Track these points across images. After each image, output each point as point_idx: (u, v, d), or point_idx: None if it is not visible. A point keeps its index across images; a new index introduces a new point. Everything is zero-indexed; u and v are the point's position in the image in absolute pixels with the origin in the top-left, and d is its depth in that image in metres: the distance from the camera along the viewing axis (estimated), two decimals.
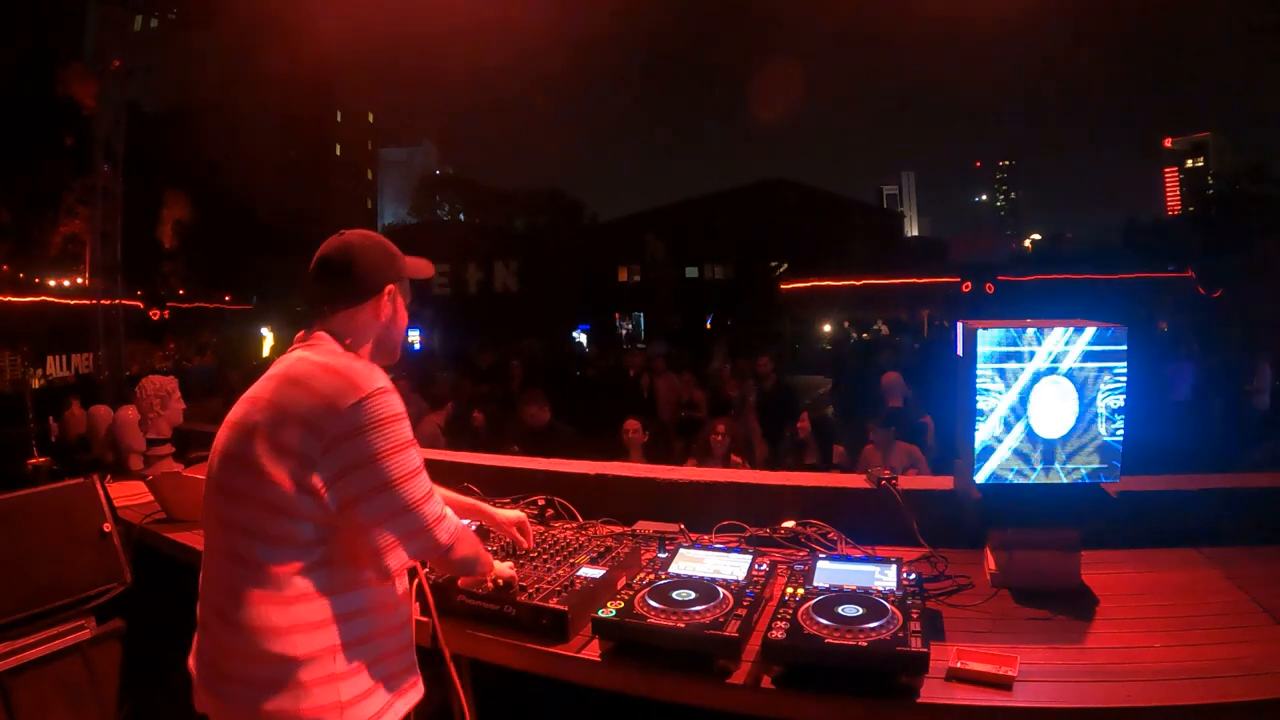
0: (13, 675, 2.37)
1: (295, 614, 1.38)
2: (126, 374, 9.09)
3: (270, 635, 1.37)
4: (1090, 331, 1.94)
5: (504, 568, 1.86)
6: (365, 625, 1.46)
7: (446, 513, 1.51)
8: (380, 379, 1.45)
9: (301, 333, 1.57)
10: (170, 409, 3.83)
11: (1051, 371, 1.96)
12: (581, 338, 26.67)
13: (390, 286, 1.58)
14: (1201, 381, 8.43)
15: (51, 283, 21.82)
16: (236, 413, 1.49)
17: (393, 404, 1.43)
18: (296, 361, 1.47)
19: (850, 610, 1.68)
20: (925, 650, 1.52)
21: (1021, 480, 2.00)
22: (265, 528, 1.38)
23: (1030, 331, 1.95)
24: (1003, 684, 1.53)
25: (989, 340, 1.97)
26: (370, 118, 55.11)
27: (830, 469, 4.96)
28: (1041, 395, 1.96)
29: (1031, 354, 1.96)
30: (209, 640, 1.45)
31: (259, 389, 1.48)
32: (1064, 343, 1.95)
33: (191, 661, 1.51)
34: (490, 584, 1.87)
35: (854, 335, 25.01)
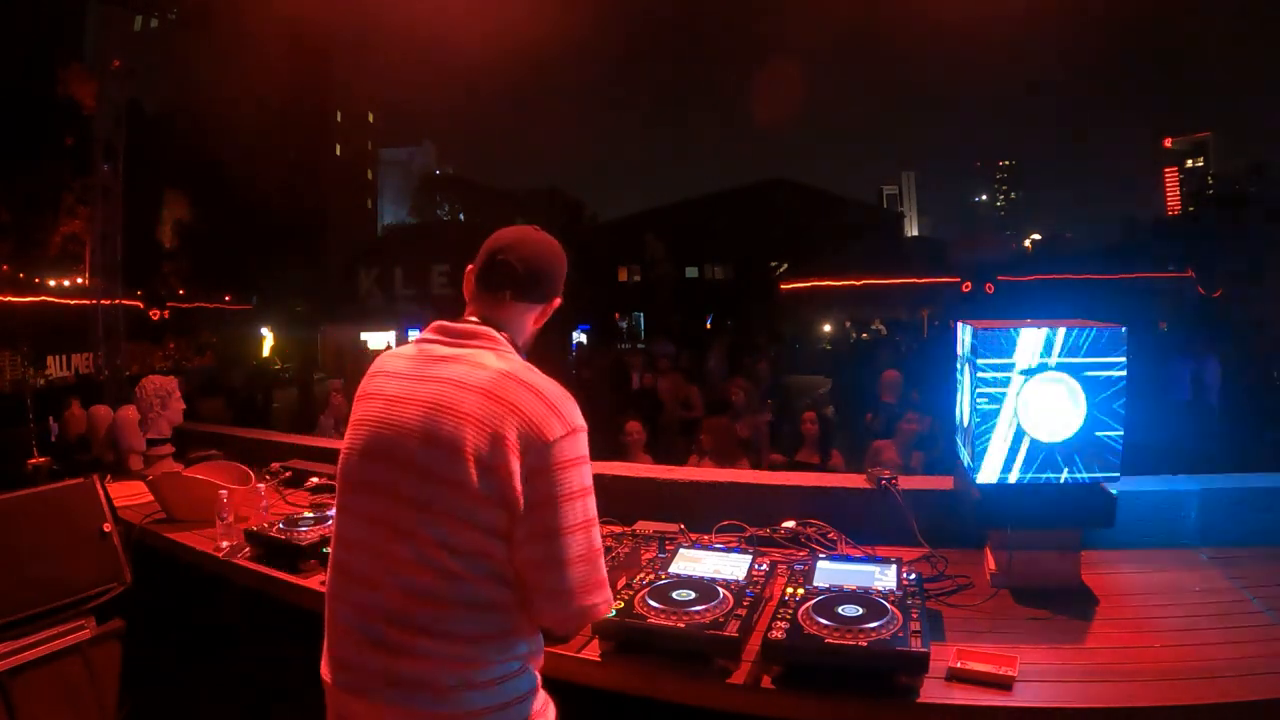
0: (13, 675, 2.37)
1: (490, 622, 1.33)
2: (126, 374, 9.08)
3: (473, 632, 1.32)
4: (1090, 331, 1.93)
5: None
6: (537, 641, 1.44)
7: (606, 582, 1.40)
8: (579, 414, 1.39)
9: (457, 326, 1.46)
10: (170, 409, 3.83)
11: (1051, 371, 1.96)
12: (581, 338, 26.66)
13: (558, 301, 1.55)
14: (1209, 380, 8.42)
15: (51, 283, 21.83)
16: (408, 394, 1.38)
17: (585, 443, 1.38)
18: (493, 373, 1.36)
19: (850, 610, 1.68)
20: (925, 650, 1.52)
21: (1021, 480, 2.00)
22: (461, 533, 1.31)
23: (1030, 331, 1.95)
24: (1003, 684, 1.53)
25: (989, 340, 1.97)
26: (370, 118, 55.06)
27: (828, 469, 4.96)
28: (1041, 395, 1.96)
29: (1031, 354, 1.96)
30: (381, 645, 1.33)
31: (445, 384, 1.36)
32: (1063, 343, 1.95)
33: (339, 673, 1.39)
34: None
35: (854, 335, 25.00)
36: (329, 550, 1.48)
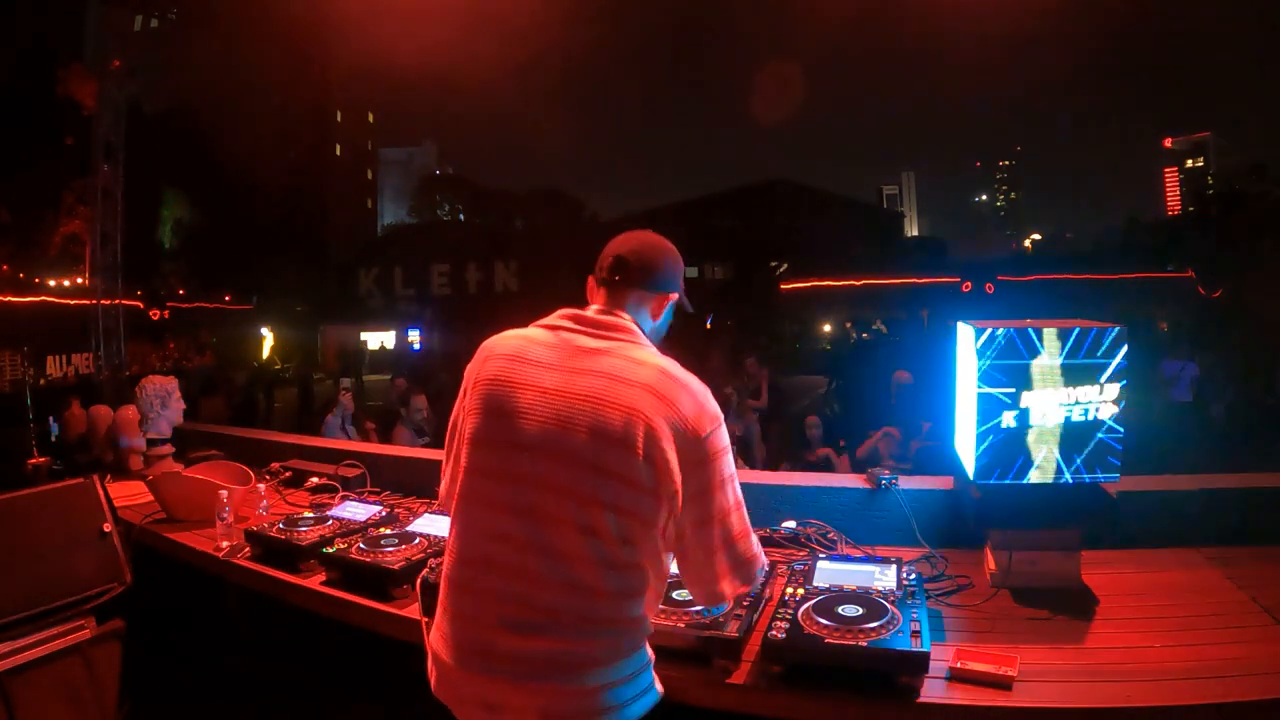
0: (13, 675, 2.37)
1: (632, 610, 1.39)
2: (126, 374, 9.08)
3: (617, 615, 1.37)
4: (1090, 332, 1.94)
5: None
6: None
7: (760, 555, 1.49)
8: (718, 407, 1.45)
9: (594, 315, 1.49)
10: (170, 409, 3.82)
11: (1051, 371, 1.96)
12: None
13: (675, 295, 1.60)
14: (1203, 382, 8.42)
15: (51, 283, 21.84)
16: (555, 384, 1.39)
17: (727, 434, 1.45)
18: (644, 367, 1.40)
19: (850, 610, 1.68)
20: (925, 650, 1.53)
21: (1021, 480, 2.00)
22: (625, 526, 1.35)
23: (1030, 331, 1.95)
24: (1003, 684, 1.53)
25: (988, 340, 1.97)
26: (370, 118, 55.09)
27: (828, 468, 4.98)
28: (1041, 395, 1.96)
29: (1031, 354, 1.96)
30: (529, 633, 1.35)
31: (598, 376, 1.38)
32: (1063, 343, 1.95)
33: (471, 659, 1.40)
34: None
35: (854, 335, 25.00)
36: (448, 539, 1.50)
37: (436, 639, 1.47)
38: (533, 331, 1.49)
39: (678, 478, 1.35)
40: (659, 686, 1.46)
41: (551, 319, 1.50)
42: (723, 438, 1.42)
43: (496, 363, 1.45)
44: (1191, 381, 8.44)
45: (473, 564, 1.43)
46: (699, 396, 1.40)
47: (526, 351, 1.44)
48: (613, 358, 1.40)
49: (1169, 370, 8.63)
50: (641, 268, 1.53)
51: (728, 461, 1.43)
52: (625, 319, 1.48)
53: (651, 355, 1.44)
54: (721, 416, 1.45)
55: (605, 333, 1.45)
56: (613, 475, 1.33)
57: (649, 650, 1.46)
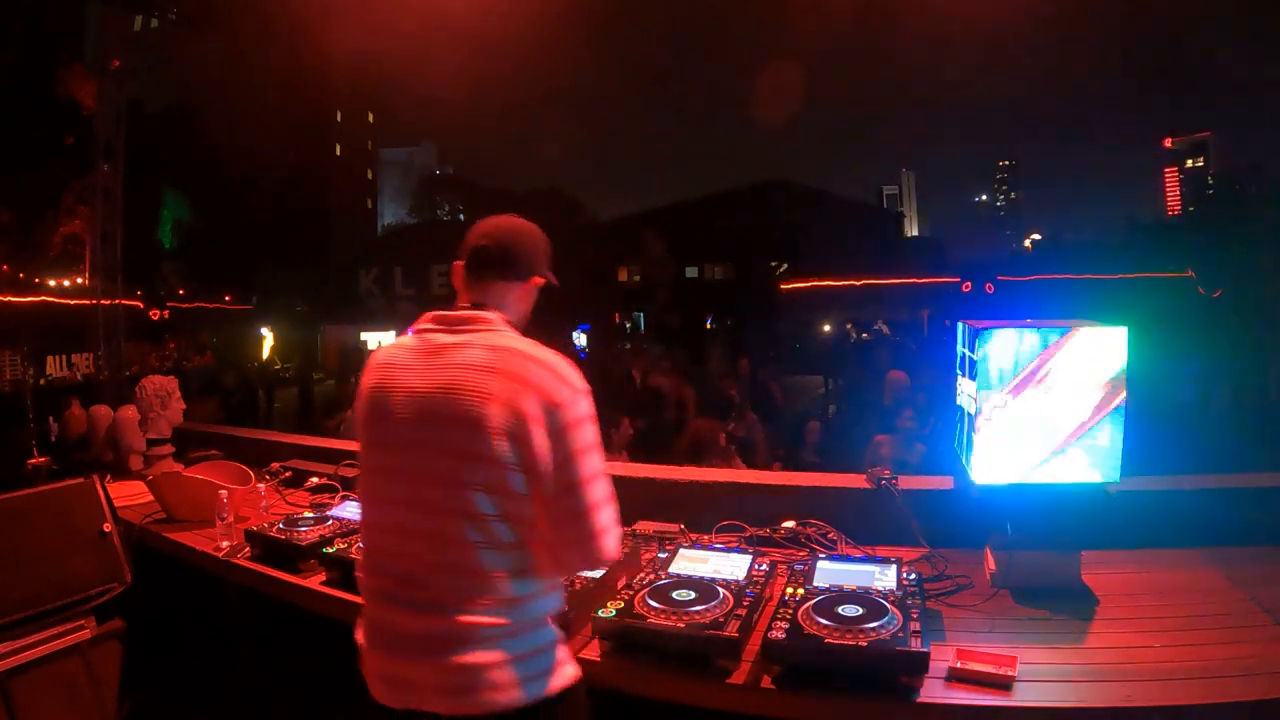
0: (13, 675, 2.37)
1: (519, 576, 1.45)
2: (126, 374, 9.08)
3: (502, 596, 1.43)
4: (1090, 331, 1.94)
5: None
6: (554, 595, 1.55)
7: (616, 524, 1.51)
8: (581, 378, 1.50)
9: (452, 312, 1.55)
10: (170, 409, 3.82)
11: (1051, 371, 1.95)
12: (581, 338, 26.66)
13: (538, 279, 1.67)
14: (1206, 381, 8.40)
15: (51, 283, 21.84)
16: (422, 382, 1.47)
17: (590, 404, 1.49)
18: (499, 350, 1.47)
19: (850, 610, 1.68)
20: (925, 650, 1.53)
21: (1021, 480, 2.00)
22: (498, 493, 1.42)
23: (1030, 331, 1.95)
24: (1003, 684, 1.53)
25: (989, 340, 1.97)
26: (370, 118, 55.06)
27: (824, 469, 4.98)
28: (1041, 394, 1.96)
29: (1032, 354, 1.96)
30: (417, 611, 1.45)
31: (459, 369, 1.46)
32: (1063, 342, 1.94)
33: (376, 637, 1.50)
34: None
35: (854, 335, 25.00)
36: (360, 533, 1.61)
37: (359, 623, 1.57)
38: (404, 339, 1.59)
39: (539, 449, 1.41)
40: (571, 668, 1.51)
41: (419, 323, 1.58)
42: (580, 408, 1.46)
43: (374, 373, 1.56)
44: (1194, 381, 8.41)
45: (376, 554, 1.55)
46: (554, 368, 1.46)
47: (396, 358, 1.55)
48: (469, 349, 1.48)
49: (1170, 370, 8.61)
50: (502, 258, 1.61)
51: (592, 430, 1.47)
52: (484, 312, 1.55)
53: (508, 340, 1.51)
54: (586, 388, 1.49)
55: (463, 327, 1.53)
56: (478, 458, 1.41)
57: (554, 629, 1.51)
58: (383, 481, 1.54)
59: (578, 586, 1.94)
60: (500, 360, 1.45)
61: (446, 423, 1.44)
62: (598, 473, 1.47)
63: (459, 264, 1.64)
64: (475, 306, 1.56)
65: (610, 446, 4.68)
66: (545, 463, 1.41)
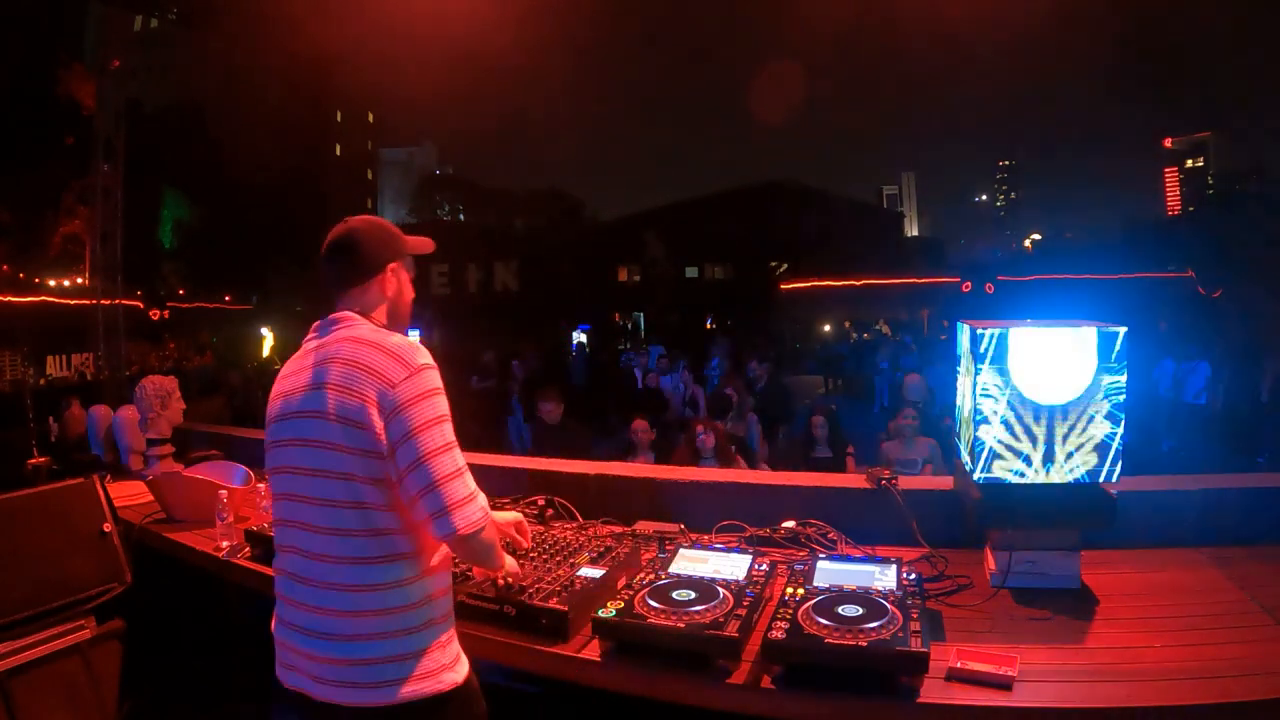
0: (13, 675, 2.37)
1: (392, 574, 1.50)
2: (126, 374, 9.09)
3: (372, 582, 1.49)
4: (1090, 331, 1.94)
5: (513, 565, 1.86)
6: (435, 583, 1.59)
7: (475, 496, 1.54)
8: (423, 355, 1.54)
9: (324, 320, 1.65)
10: (170, 409, 3.82)
11: (1051, 371, 1.95)
12: (581, 338, 26.66)
13: (392, 264, 1.70)
14: (1213, 382, 8.37)
15: (51, 283, 21.84)
16: (291, 386, 1.59)
17: (434, 379, 1.54)
18: (345, 342, 1.56)
19: (850, 610, 1.68)
20: (925, 650, 1.52)
21: (1021, 480, 2.00)
22: (351, 480, 1.49)
23: (1030, 331, 1.95)
24: (1003, 684, 1.53)
25: (989, 340, 1.97)
26: (370, 118, 55.06)
27: (842, 467, 4.97)
28: (1041, 394, 1.96)
29: (1031, 353, 1.95)
30: (305, 586, 1.53)
31: (313, 368, 1.56)
32: (1063, 342, 1.94)
33: (280, 616, 1.60)
34: (501, 581, 1.88)
35: (854, 335, 25.01)
36: None
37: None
38: (296, 352, 1.69)
39: (378, 431, 1.47)
40: (452, 675, 1.55)
41: (307, 334, 1.68)
42: (421, 383, 1.50)
43: (274, 386, 1.67)
44: (1203, 382, 8.36)
45: (279, 549, 1.63)
46: (390, 349, 1.53)
47: (284, 369, 1.67)
48: (327, 347, 1.58)
49: (1178, 371, 8.59)
50: (341, 272, 1.67)
51: (433, 404, 1.51)
52: (346, 312, 1.64)
53: (361, 331, 1.59)
54: (425, 365, 1.53)
55: (329, 329, 1.63)
56: (333, 448, 1.49)
57: (439, 634, 1.56)
58: (277, 479, 1.62)
59: (577, 587, 1.94)
60: (340, 349, 1.54)
61: (308, 418, 1.53)
62: (442, 446, 1.49)
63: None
64: (338, 310, 1.66)
65: (633, 450, 4.69)
66: (386, 444, 1.47)
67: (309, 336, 1.66)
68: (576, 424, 5.14)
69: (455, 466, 1.51)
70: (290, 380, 1.61)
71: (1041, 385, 1.96)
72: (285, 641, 1.58)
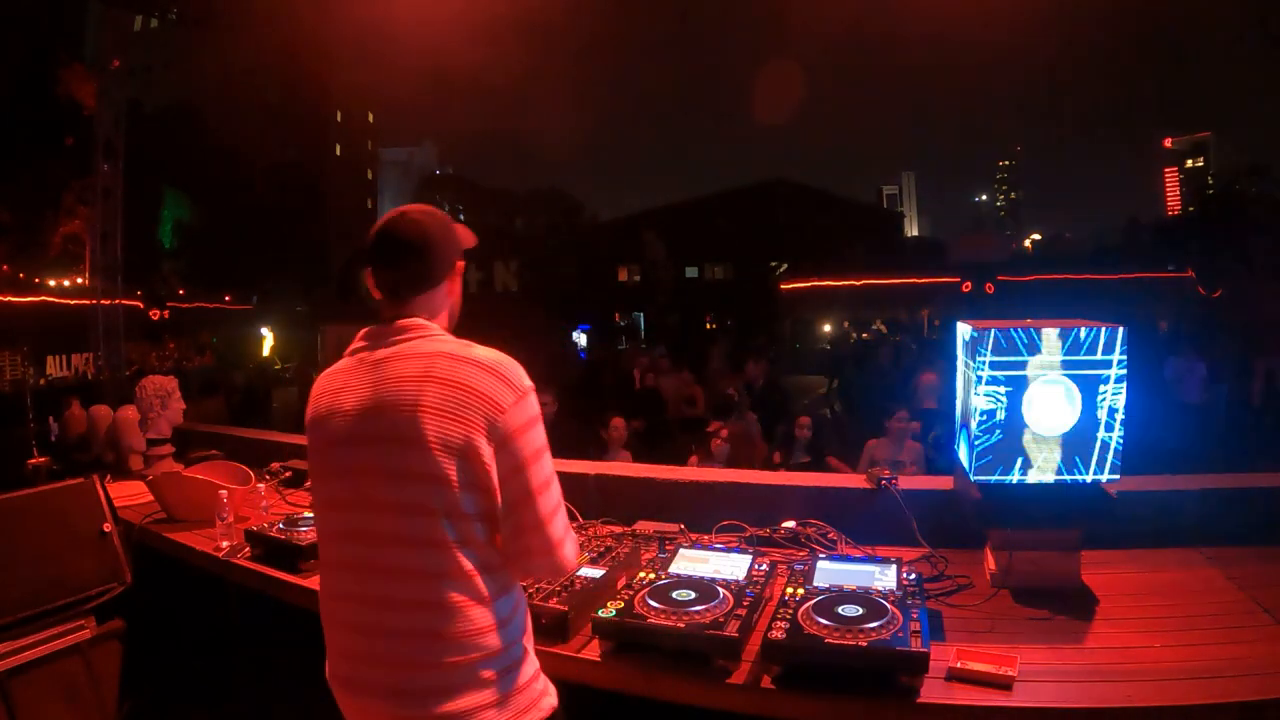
0: (13, 675, 2.37)
1: (490, 603, 1.34)
2: (126, 374, 9.08)
3: (476, 626, 1.32)
4: (1090, 331, 1.94)
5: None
6: (523, 613, 1.46)
7: (569, 530, 1.43)
8: (525, 375, 1.40)
9: (384, 326, 1.45)
10: (170, 409, 3.82)
11: (1051, 371, 1.96)
12: (581, 338, 26.67)
13: (460, 264, 1.54)
14: (1211, 382, 8.37)
15: (51, 283, 21.83)
16: (357, 402, 1.37)
17: (536, 404, 1.40)
18: (440, 359, 1.37)
19: (850, 610, 1.68)
20: (925, 650, 1.52)
21: (1021, 480, 2.00)
22: (451, 516, 1.32)
23: (1029, 331, 1.95)
24: (1003, 684, 1.53)
25: (989, 340, 1.97)
26: (370, 118, 55.07)
27: (823, 469, 4.96)
28: (1041, 395, 1.96)
29: (1030, 353, 1.96)
30: (390, 639, 1.34)
31: (393, 383, 1.35)
32: (1063, 343, 1.95)
33: (338, 670, 1.41)
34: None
35: (854, 335, 25.01)
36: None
37: (327, 661, 1.47)
38: (341, 362, 1.48)
39: (486, 462, 1.30)
40: (550, 700, 1.43)
41: (353, 343, 1.48)
42: (528, 409, 1.36)
43: (316, 402, 1.46)
44: (1201, 382, 8.37)
45: (334, 599, 1.42)
46: (494, 369, 1.35)
47: (333, 382, 1.44)
48: (399, 360, 1.38)
49: (1176, 370, 8.58)
50: (419, 270, 1.46)
51: (539, 432, 1.38)
52: (411, 319, 1.44)
53: (440, 344, 1.40)
54: (529, 387, 1.37)
55: (393, 338, 1.42)
56: (422, 478, 1.30)
57: (532, 657, 1.43)
58: (335, 515, 1.42)
59: (577, 587, 1.94)
60: (434, 367, 1.35)
61: (383, 442, 1.33)
62: (549, 479, 1.38)
63: (368, 272, 1.49)
64: (402, 317, 1.45)
65: (607, 446, 4.69)
66: (493, 475, 1.31)
67: (361, 345, 1.45)
68: (570, 423, 5.14)
69: (558, 499, 1.40)
70: (352, 395, 1.39)
71: (1041, 384, 1.96)
72: (370, 701, 1.38)
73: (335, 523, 1.42)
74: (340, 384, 1.43)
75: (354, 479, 1.37)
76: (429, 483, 1.30)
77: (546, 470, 1.38)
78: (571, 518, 2.63)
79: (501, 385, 1.34)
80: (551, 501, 1.38)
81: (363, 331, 1.47)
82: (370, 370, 1.40)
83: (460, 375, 1.33)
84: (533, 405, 1.38)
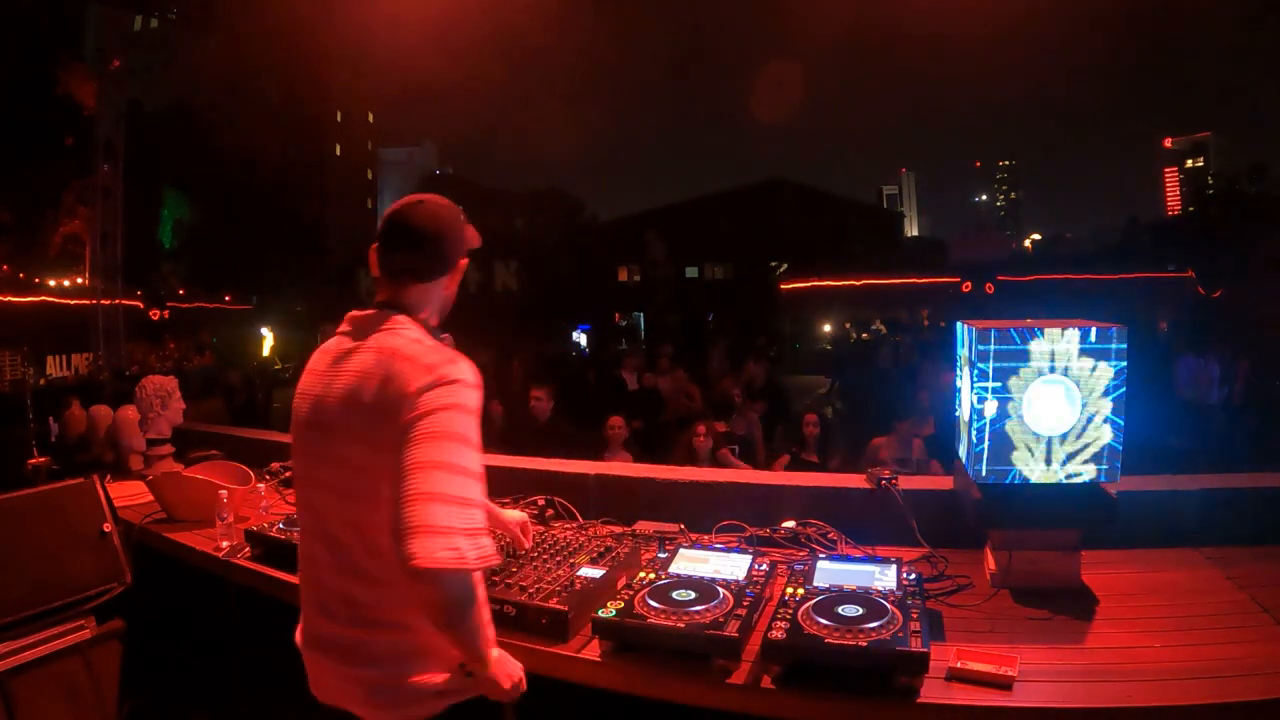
0: (13, 675, 2.37)
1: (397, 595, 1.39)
2: (126, 374, 9.08)
3: (403, 607, 1.38)
4: (1090, 331, 1.94)
5: (505, 661, 1.47)
6: None
7: (454, 531, 1.27)
8: (462, 370, 1.38)
9: (366, 315, 1.49)
10: (170, 409, 3.82)
11: (1051, 371, 1.96)
12: (581, 338, 26.67)
13: (464, 261, 1.56)
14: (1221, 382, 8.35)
15: (51, 283, 21.82)
16: (320, 389, 1.46)
17: (464, 396, 1.37)
18: (387, 352, 1.41)
19: (850, 610, 1.68)
20: (925, 650, 1.53)
21: (1021, 480, 2.00)
22: (374, 516, 1.35)
23: (1029, 331, 1.95)
24: (1003, 684, 1.53)
25: (989, 340, 1.97)
26: (370, 118, 55.07)
27: (826, 469, 4.97)
28: (1041, 395, 1.96)
29: (1031, 354, 1.96)
30: (326, 615, 1.48)
31: (342, 374, 1.43)
32: (1064, 343, 1.95)
33: (313, 649, 1.53)
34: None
35: (854, 335, 25.01)
36: None
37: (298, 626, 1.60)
38: (330, 341, 1.54)
39: (391, 443, 1.32)
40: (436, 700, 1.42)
41: (341, 324, 1.53)
42: (442, 396, 1.32)
43: (301, 380, 1.54)
44: (1214, 382, 8.34)
45: (302, 561, 1.55)
46: (423, 360, 1.37)
47: (313, 364, 1.53)
48: (363, 353, 1.43)
49: (1191, 371, 8.55)
50: (423, 260, 1.49)
51: (443, 420, 1.31)
52: (393, 313, 1.48)
53: (398, 340, 1.42)
54: (456, 379, 1.35)
55: (369, 329, 1.47)
56: (357, 470, 1.38)
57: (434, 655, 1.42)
58: (301, 490, 1.54)
59: (577, 587, 1.94)
60: (379, 363, 1.39)
61: (335, 431, 1.42)
62: (440, 463, 1.27)
63: (374, 248, 1.52)
64: (387, 305, 1.49)
65: (609, 447, 4.69)
66: (393, 455, 1.30)
67: (344, 329, 1.51)
68: (565, 423, 5.14)
69: (447, 490, 1.26)
70: (320, 381, 1.47)
71: (1041, 384, 1.96)
72: (321, 660, 1.52)
73: (303, 497, 1.55)
74: (316, 366, 1.51)
75: (313, 462, 1.48)
76: (364, 474, 1.37)
77: (437, 454, 1.28)
78: (571, 517, 2.65)
79: (423, 372, 1.35)
80: (428, 484, 1.26)
81: (350, 315, 1.52)
82: (339, 360, 1.47)
83: (396, 368, 1.38)
84: (451, 394, 1.34)
